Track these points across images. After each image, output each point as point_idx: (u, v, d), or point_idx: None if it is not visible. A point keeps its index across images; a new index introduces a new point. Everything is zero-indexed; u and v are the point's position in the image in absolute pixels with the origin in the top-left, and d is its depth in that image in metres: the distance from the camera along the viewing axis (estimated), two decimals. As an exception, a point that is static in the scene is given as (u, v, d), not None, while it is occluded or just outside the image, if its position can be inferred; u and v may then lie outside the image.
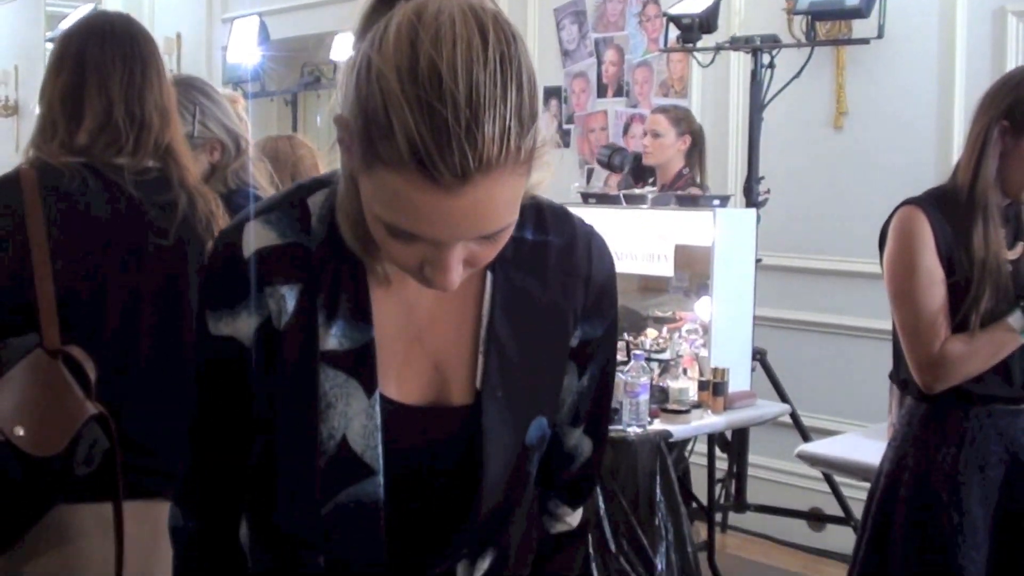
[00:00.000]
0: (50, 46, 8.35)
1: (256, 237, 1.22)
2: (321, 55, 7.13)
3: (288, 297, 1.21)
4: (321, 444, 1.20)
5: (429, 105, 1.00)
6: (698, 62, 4.85)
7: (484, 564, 1.31)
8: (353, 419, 1.20)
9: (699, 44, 4.67)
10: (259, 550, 1.32)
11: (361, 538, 1.23)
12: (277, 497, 1.26)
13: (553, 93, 6.16)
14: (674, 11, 4.73)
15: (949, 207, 2.41)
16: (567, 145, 6.11)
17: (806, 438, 4.39)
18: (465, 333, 1.26)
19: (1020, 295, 2.37)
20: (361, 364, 1.21)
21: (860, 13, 4.18)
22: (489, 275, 1.26)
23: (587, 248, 1.32)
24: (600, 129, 5.97)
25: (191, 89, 2.55)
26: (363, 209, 1.13)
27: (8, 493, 1.94)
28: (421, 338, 1.25)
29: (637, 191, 4.44)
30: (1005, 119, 2.38)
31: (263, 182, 2.66)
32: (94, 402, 1.94)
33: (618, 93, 5.90)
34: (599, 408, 1.41)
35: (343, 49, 6.87)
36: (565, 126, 6.13)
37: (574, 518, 1.46)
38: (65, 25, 7.47)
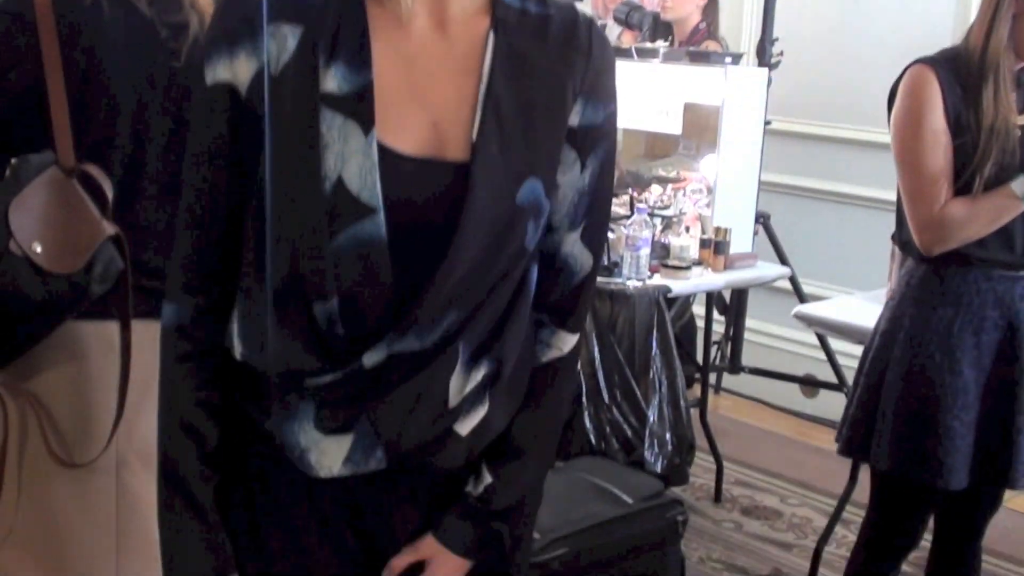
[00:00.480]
0: None
1: None
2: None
3: (290, 37, 1.23)
4: (317, 184, 1.22)
5: None
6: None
7: (478, 374, 1.33)
8: (350, 159, 1.22)
9: None
10: (261, 328, 1.31)
11: (369, 278, 1.25)
12: (278, 244, 1.26)
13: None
14: None
15: (961, 68, 2.40)
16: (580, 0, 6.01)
17: (804, 302, 4.42)
18: (464, 91, 1.28)
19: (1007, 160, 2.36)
20: (359, 106, 1.23)
21: None
22: (491, 36, 1.29)
23: (588, 27, 1.35)
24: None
25: None
26: None
27: (21, 307, 1.97)
28: (421, 94, 1.28)
29: (649, 45, 4.38)
30: None
31: None
32: (110, 222, 1.95)
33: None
34: (597, 215, 1.42)
35: None
36: (580, -20, 6.02)
37: (567, 342, 1.46)
38: None
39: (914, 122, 2.42)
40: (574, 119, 1.34)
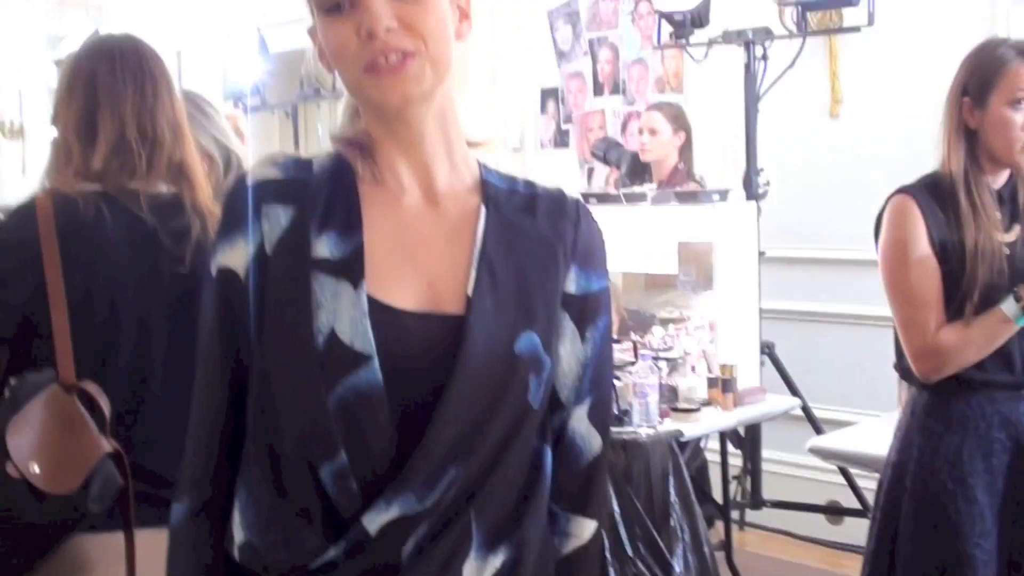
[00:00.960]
0: (54, 68, 8.42)
1: (260, 172, 1.35)
2: (320, 67, 7.13)
3: (282, 215, 1.31)
4: (311, 341, 1.25)
5: None
6: (691, 57, 4.83)
7: (496, 561, 1.30)
8: (341, 313, 1.26)
9: (692, 39, 4.67)
10: (264, 509, 1.30)
11: (373, 429, 1.25)
12: (281, 408, 1.28)
13: (550, 94, 6.16)
14: (665, 8, 4.71)
15: (940, 193, 2.43)
16: (566, 145, 6.10)
17: (819, 431, 4.38)
18: (458, 255, 1.33)
19: (1014, 281, 2.36)
20: (350, 266, 1.28)
21: (850, 2, 4.17)
22: (483, 209, 1.35)
23: (576, 203, 1.42)
24: (598, 128, 5.96)
25: (187, 98, 2.57)
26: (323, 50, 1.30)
27: (22, 527, 1.95)
28: (414, 257, 1.32)
29: (637, 189, 4.43)
30: (964, 95, 2.39)
31: None
32: (109, 439, 1.95)
33: (615, 91, 5.90)
34: (600, 390, 1.43)
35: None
36: (564, 126, 6.13)
37: (585, 529, 1.44)
38: (70, 48, 7.55)
39: (899, 252, 2.43)
40: (570, 286, 1.38)
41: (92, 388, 1.95)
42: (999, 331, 2.36)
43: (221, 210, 1.37)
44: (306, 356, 1.25)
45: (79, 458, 1.92)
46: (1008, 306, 2.33)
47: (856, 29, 4.27)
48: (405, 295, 1.29)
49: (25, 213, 2.01)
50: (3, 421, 1.92)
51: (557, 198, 1.41)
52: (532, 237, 1.37)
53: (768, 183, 4.48)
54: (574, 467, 1.42)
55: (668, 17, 4.71)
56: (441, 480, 1.25)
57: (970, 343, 2.38)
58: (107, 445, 1.93)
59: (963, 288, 2.37)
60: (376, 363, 1.24)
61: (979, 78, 2.43)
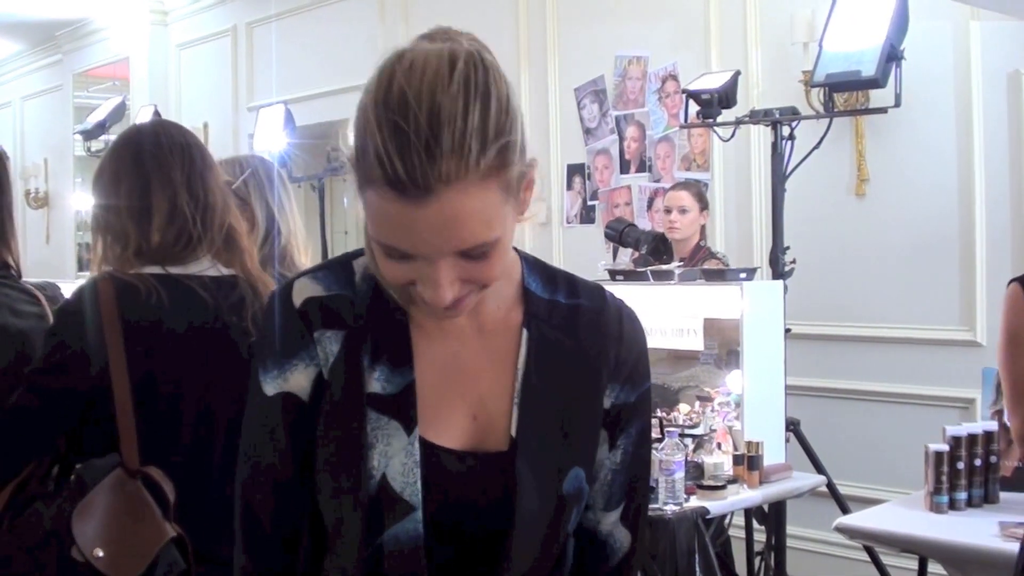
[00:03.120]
0: (79, 139, 8.56)
1: (304, 290, 1.31)
2: (346, 140, 7.22)
3: (333, 342, 1.28)
4: (362, 484, 1.25)
5: (394, 124, 1.11)
6: (719, 136, 4.90)
7: None
8: (393, 458, 1.25)
9: (719, 119, 4.73)
10: None
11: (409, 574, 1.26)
12: (325, 541, 1.30)
13: (577, 170, 6.23)
14: (693, 87, 4.78)
15: None
16: (592, 221, 6.16)
17: (844, 508, 4.36)
18: (502, 384, 1.32)
19: None
20: (402, 406, 1.27)
21: (877, 84, 4.21)
22: (525, 331, 1.33)
23: (618, 313, 1.39)
24: (624, 204, 6.02)
25: (258, 160, 2.62)
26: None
27: None
28: (461, 389, 1.31)
29: (664, 267, 4.46)
30: None
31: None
32: (172, 524, 1.96)
33: (641, 168, 5.96)
34: (634, 496, 1.42)
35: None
36: (590, 202, 6.19)
37: None
38: (94, 119, 7.66)
39: (1006, 337, 2.58)
40: (607, 402, 1.37)
41: (156, 473, 1.97)
42: None
43: (267, 327, 1.33)
44: (355, 499, 1.25)
45: (143, 543, 1.93)
46: None
47: (883, 111, 4.32)
48: (451, 432, 1.29)
49: (87, 298, 2.02)
50: (70, 507, 1.94)
51: (599, 310, 1.38)
52: (575, 360, 1.35)
53: (794, 261, 4.51)
54: (603, 566, 1.43)
55: (695, 96, 4.77)
56: None
57: None
58: (171, 530, 1.95)
59: None
60: (419, 514, 1.25)
61: None
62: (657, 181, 5.87)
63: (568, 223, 6.30)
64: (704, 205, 5.00)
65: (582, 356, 1.35)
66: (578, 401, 1.34)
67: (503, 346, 1.33)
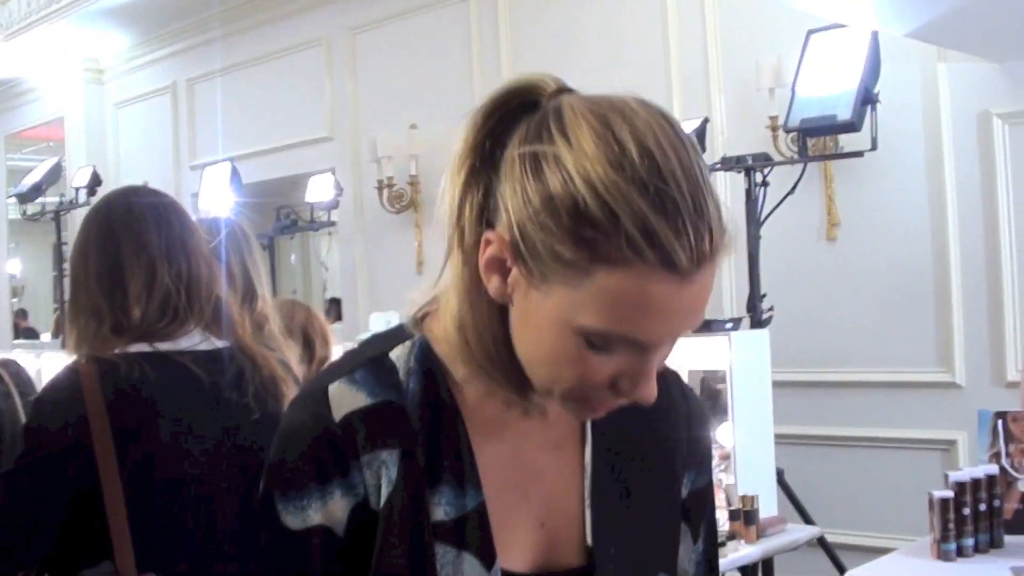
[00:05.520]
0: (13, 202, 8.28)
1: (344, 400, 1.10)
2: (296, 197, 7.09)
3: (390, 464, 1.09)
4: None
5: (656, 188, 0.95)
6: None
7: None
8: None
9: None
10: None
11: None
12: None
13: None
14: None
15: None
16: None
17: (834, 559, 4.29)
18: (571, 483, 1.17)
19: None
20: (474, 534, 1.09)
21: (852, 127, 4.20)
22: (589, 421, 1.18)
23: (678, 384, 1.27)
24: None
25: (232, 221, 2.46)
26: (523, 331, 1.04)
27: None
28: (525, 492, 1.15)
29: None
30: None
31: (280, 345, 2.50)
32: None
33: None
34: (712, 572, 1.31)
35: (319, 190, 6.85)
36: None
37: None
38: (29, 181, 7.44)
39: None
40: (684, 491, 1.25)
41: None
42: None
43: (291, 444, 1.12)
44: None
45: None
46: None
47: (859, 154, 4.30)
48: (519, 548, 1.13)
49: (65, 384, 1.83)
50: None
51: (664, 384, 1.16)
52: (646, 447, 1.21)
53: (772, 308, 4.46)
54: None
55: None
56: None
57: None
58: None
59: None
60: None
61: None
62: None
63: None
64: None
65: (653, 441, 1.22)
66: (655, 495, 1.21)
67: (567, 435, 1.17)
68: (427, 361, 1.13)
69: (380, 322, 5.79)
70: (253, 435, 1.92)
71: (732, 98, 5.27)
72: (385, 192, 6.50)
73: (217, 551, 1.86)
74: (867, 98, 4.19)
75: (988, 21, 3.91)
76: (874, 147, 4.24)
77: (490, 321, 1.06)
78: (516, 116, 1.05)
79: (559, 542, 1.15)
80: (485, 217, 1.05)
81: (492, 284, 1.04)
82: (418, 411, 1.11)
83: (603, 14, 5.76)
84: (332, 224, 7.12)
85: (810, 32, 4.41)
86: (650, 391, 1.03)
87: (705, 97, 5.34)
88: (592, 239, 0.96)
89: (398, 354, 1.14)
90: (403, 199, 6.52)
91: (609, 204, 0.95)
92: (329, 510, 1.09)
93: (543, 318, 1.01)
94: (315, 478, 1.09)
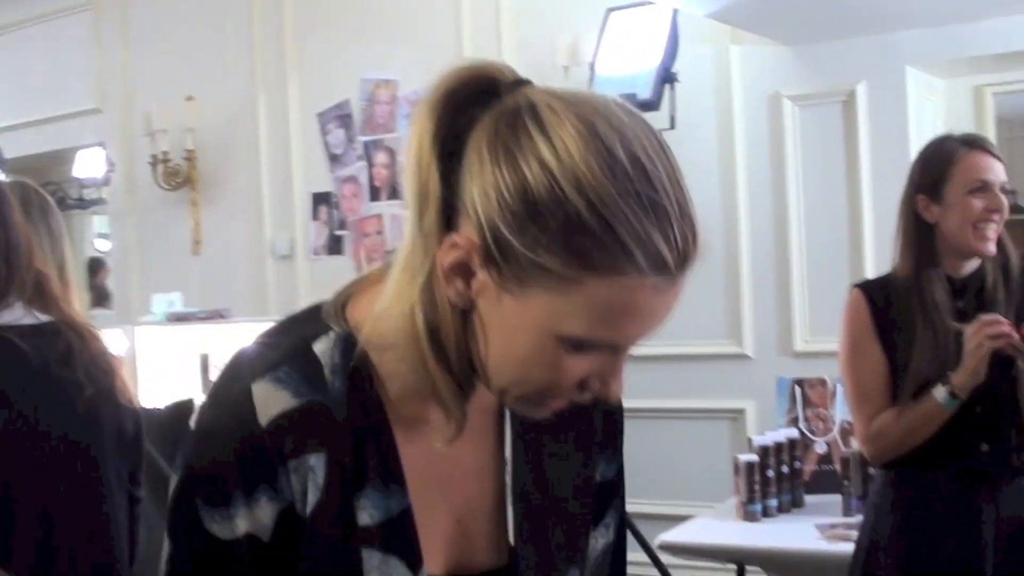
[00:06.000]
0: None
1: (269, 402, 1.04)
2: (63, 173, 6.73)
3: (317, 469, 1.04)
4: None
5: (647, 196, 0.95)
6: (484, 159, 4.84)
7: None
8: None
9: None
10: None
11: None
12: None
13: (322, 199, 6.01)
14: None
15: (895, 289, 2.54)
16: (340, 252, 5.97)
17: (634, 530, 4.37)
18: (488, 477, 1.14)
19: (948, 370, 2.44)
20: (398, 537, 1.06)
21: (653, 106, 4.29)
22: (507, 412, 1.15)
23: None
24: (376, 233, 5.86)
25: (28, 185, 2.27)
26: (490, 335, 1.00)
27: None
28: (445, 489, 1.12)
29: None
30: (919, 193, 2.50)
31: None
32: None
33: (393, 196, 5.82)
34: (621, 570, 1.30)
35: (88, 166, 6.52)
36: (337, 232, 5.99)
37: None
38: None
39: (847, 343, 2.59)
40: (597, 478, 1.23)
41: None
42: (932, 416, 2.44)
43: (212, 449, 1.05)
44: None
45: None
46: (939, 392, 2.42)
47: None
48: (437, 551, 1.10)
49: None
50: None
51: None
52: (561, 435, 1.18)
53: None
54: None
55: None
56: None
57: (906, 429, 2.48)
58: None
59: (909, 376, 2.47)
60: None
61: (931, 173, 2.54)
62: (410, 208, 5.75)
63: (315, 254, 6.07)
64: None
65: (567, 430, 1.19)
66: (571, 487, 1.18)
67: (484, 425, 1.14)
68: (351, 357, 1.07)
69: (163, 303, 5.57)
70: (89, 412, 1.80)
71: (525, 75, 5.28)
72: (160, 168, 6.23)
73: (53, 546, 1.77)
74: (666, 77, 4.29)
75: (783, 4, 4.08)
76: (672, 126, 4.35)
77: (452, 323, 1.01)
78: (470, 106, 1.00)
79: (474, 539, 1.13)
80: (447, 215, 1.00)
81: (454, 287, 1.00)
82: (344, 411, 1.06)
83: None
84: (102, 202, 6.79)
85: (610, 10, 4.49)
86: (619, 388, 1.03)
87: (499, 75, 5.34)
88: (584, 248, 0.94)
89: (322, 348, 1.08)
90: (179, 175, 6.26)
91: (603, 213, 0.93)
92: (255, 516, 1.04)
93: (517, 324, 0.98)
94: (241, 487, 1.03)
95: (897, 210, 2.59)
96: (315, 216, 6.08)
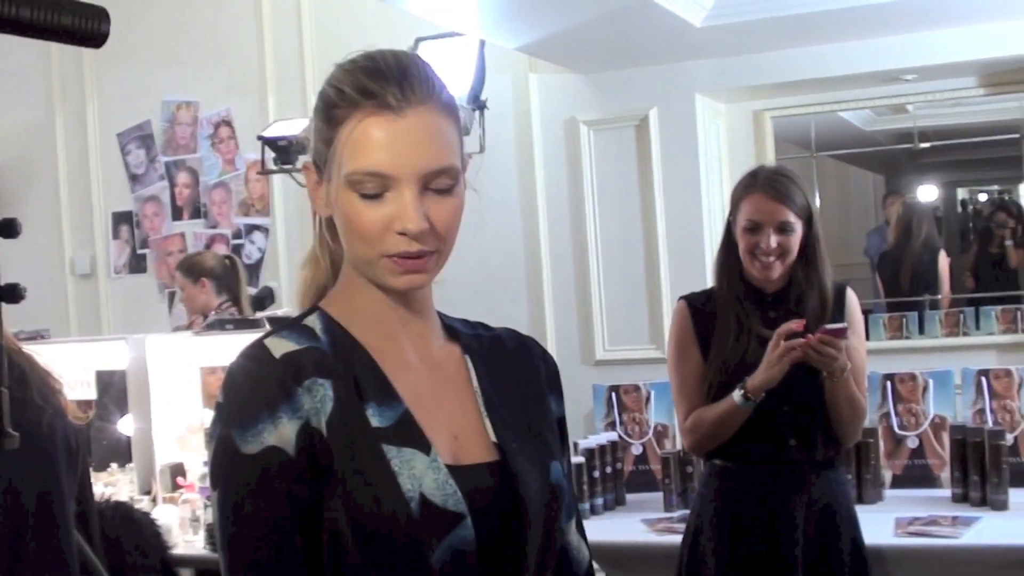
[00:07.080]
0: None
1: (279, 346, 1.32)
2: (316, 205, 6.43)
3: (327, 388, 1.30)
4: (404, 508, 1.26)
5: (367, 65, 1.31)
6: (298, 183, 4.94)
7: None
8: (423, 478, 1.28)
9: (298, 164, 4.78)
10: None
11: None
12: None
13: (123, 218, 6.01)
14: (268, 134, 4.79)
15: (713, 300, 2.86)
16: (143, 271, 5.96)
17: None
18: (466, 406, 1.41)
19: (747, 373, 2.73)
20: (407, 433, 1.31)
21: (464, 131, 4.48)
22: (468, 358, 1.44)
23: (530, 338, 1.54)
24: (179, 251, 5.88)
25: None
26: (339, 224, 1.33)
27: None
28: (436, 413, 1.37)
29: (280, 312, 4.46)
30: (732, 217, 2.80)
31: None
32: None
33: (195, 215, 5.86)
34: (575, 501, 1.54)
35: None
36: (139, 251, 5.98)
37: None
38: None
39: (671, 347, 2.90)
40: (556, 411, 1.50)
41: None
42: (732, 414, 2.75)
43: (238, 385, 1.29)
44: (402, 524, 1.25)
45: None
46: (737, 393, 2.72)
47: (467, 156, 4.59)
48: (444, 452, 1.33)
49: None
50: None
51: (515, 335, 1.52)
52: (517, 378, 1.46)
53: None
54: None
55: (272, 144, 4.79)
56: None
57: (711, 424, 2.78)
58: None
59: (720, 378, 2.78)
60: (470, 520, 1.29)
61: (732, 205, 2.84)
62: (214, 227, 5.81)
63: (116, 273, 6.04)
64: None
65: (521, 373, 1.47)
66: (533, 409, 1.45)
67: (455, 374, 1.42)
68: (332, 324, 1.38)
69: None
70: (49, 433, 1.88)
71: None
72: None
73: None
74: (478, 104, 4.50)
75: (580, 35, 4.35)
76: (482, 150, 4.56)
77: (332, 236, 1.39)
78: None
79: (471, 447, 1.37)
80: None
81: (318, 205, 1.36)
82: (336, 356, 1.34)
83: (201, 15, 5.74)
84: None
85: (419, 40, 4.66)
86: (412, 219, 1.28)
87: (302, 100, 5.43)
88: (333, 114, 1.30)
89: (310, 320, 1.38)
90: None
91: (336, 84, 1.31)
92: (280, 432, 1.26)
93: (335, 199, 1.31)
94: (265, 406, 1.27)
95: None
96: (116, 235, 6.05)
